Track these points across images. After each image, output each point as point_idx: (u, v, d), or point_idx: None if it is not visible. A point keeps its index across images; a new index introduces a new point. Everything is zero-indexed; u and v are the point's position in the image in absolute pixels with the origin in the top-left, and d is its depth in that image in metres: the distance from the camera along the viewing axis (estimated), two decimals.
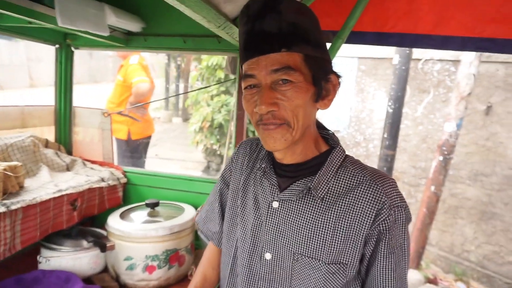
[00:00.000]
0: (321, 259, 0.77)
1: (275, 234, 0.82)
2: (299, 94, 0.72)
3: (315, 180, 0.78)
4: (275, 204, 0.82)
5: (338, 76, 0.79)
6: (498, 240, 4.47)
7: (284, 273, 0.81)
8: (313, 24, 0.76)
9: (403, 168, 5.12)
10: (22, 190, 1.31)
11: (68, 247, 1.38)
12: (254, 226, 0.85)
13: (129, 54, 3.42)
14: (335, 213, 0.77)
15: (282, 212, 0.82)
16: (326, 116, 5.38)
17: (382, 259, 0.77)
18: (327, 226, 0.77)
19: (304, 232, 0.78)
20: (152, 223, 1.42)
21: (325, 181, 0.79)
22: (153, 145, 6.72)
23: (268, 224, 0.83)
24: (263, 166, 0.88)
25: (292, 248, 0.79)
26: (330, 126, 1.00)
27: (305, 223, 0.79)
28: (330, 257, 0.76)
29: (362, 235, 0.76)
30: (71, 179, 1.55)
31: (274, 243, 0.82)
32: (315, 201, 0.79)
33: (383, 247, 0.76)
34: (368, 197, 0.75)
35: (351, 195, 0.77)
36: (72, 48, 1.81)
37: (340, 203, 0.77)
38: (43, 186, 1.40)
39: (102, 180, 1.64)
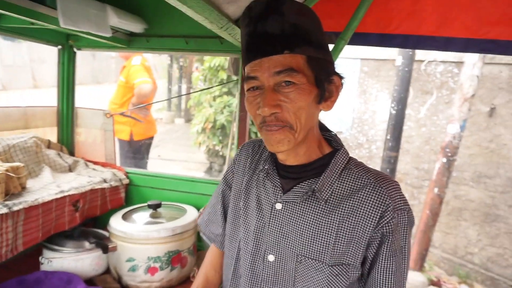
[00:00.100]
0: (324, 261, 0.76)
1: (278, 236, 0.81)
2: (302, 96, 0.72)
3: (319, 182, 0.78)
4: (279, 206, 0.82)
5: (341, 78, 0.79)
6: (502, 242, 4.45)
7: (287, 275, 0.80)
8: (316, 26, 0.76)
9: (406, 169, 5.10)
10: (24, 191, 1.31)
11: (70, 248, 1.38)
12: (257, 227, 0.85)
13: (131, 55, 3.42)
14: (339, 215, 0.77)
15: (285, 214, 0.81)
16: (329, 118, 5.37)
17: (383, 261, 0.77)
18: (330, 228, 0.77)
19: (308, 234, 0.78)
20: (154, 224, 1.42)
21: (329, 183, 0.79)
22: (156, 146, 6.72)
23: (271, 226, 0.83)
24: (266, 167, 0.87)
25: (295, 250, 0.79)
26: (333, 127, 1.00)
27: (309, 225, 0.78)
28: (333, 259, 0.76)
29: (366, 237, 0.75)
30: (73, 180, 1.55)
31: (277, 244, 0.81)
32: (319, 203, 0.78)
33: (385, 250, 0.76)
34: (372, 200, 0.75)
35: (355, 197, 0.77)
36: (75, 49, 1.82)
37: (344, 205, 0.77)
38: (45, 187, 1.40)
39: (104, 181, 1.64)
